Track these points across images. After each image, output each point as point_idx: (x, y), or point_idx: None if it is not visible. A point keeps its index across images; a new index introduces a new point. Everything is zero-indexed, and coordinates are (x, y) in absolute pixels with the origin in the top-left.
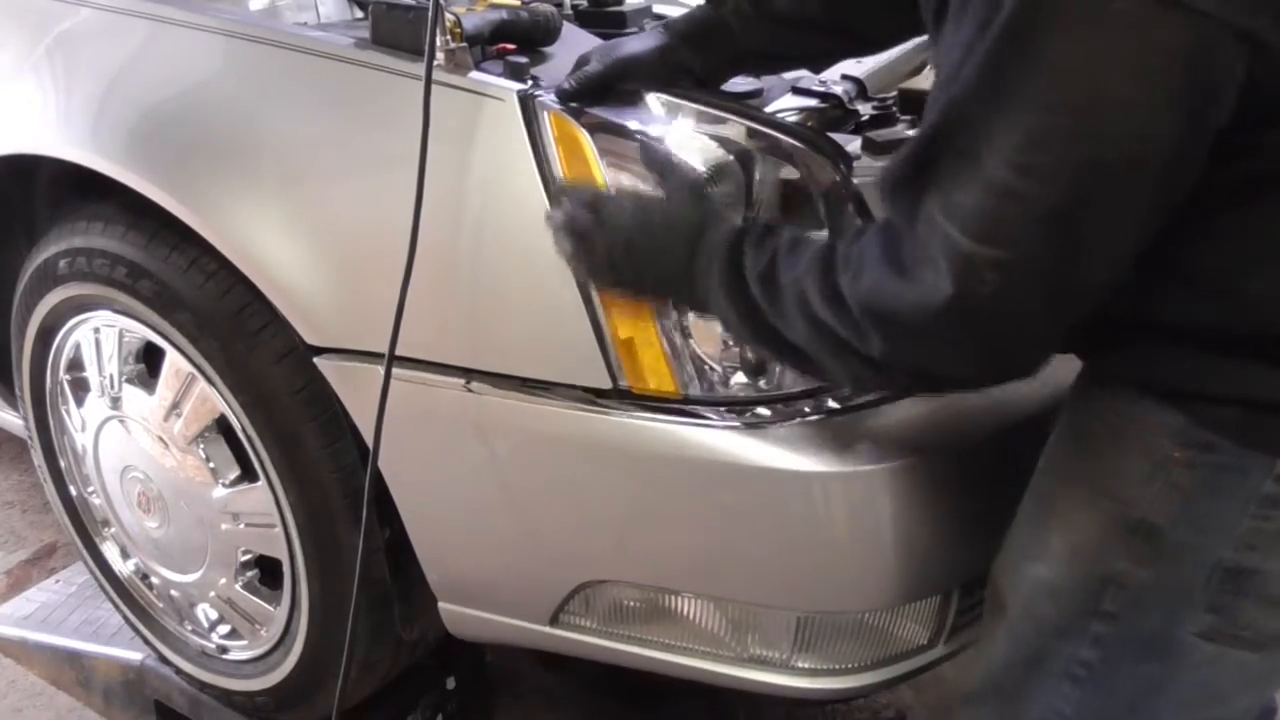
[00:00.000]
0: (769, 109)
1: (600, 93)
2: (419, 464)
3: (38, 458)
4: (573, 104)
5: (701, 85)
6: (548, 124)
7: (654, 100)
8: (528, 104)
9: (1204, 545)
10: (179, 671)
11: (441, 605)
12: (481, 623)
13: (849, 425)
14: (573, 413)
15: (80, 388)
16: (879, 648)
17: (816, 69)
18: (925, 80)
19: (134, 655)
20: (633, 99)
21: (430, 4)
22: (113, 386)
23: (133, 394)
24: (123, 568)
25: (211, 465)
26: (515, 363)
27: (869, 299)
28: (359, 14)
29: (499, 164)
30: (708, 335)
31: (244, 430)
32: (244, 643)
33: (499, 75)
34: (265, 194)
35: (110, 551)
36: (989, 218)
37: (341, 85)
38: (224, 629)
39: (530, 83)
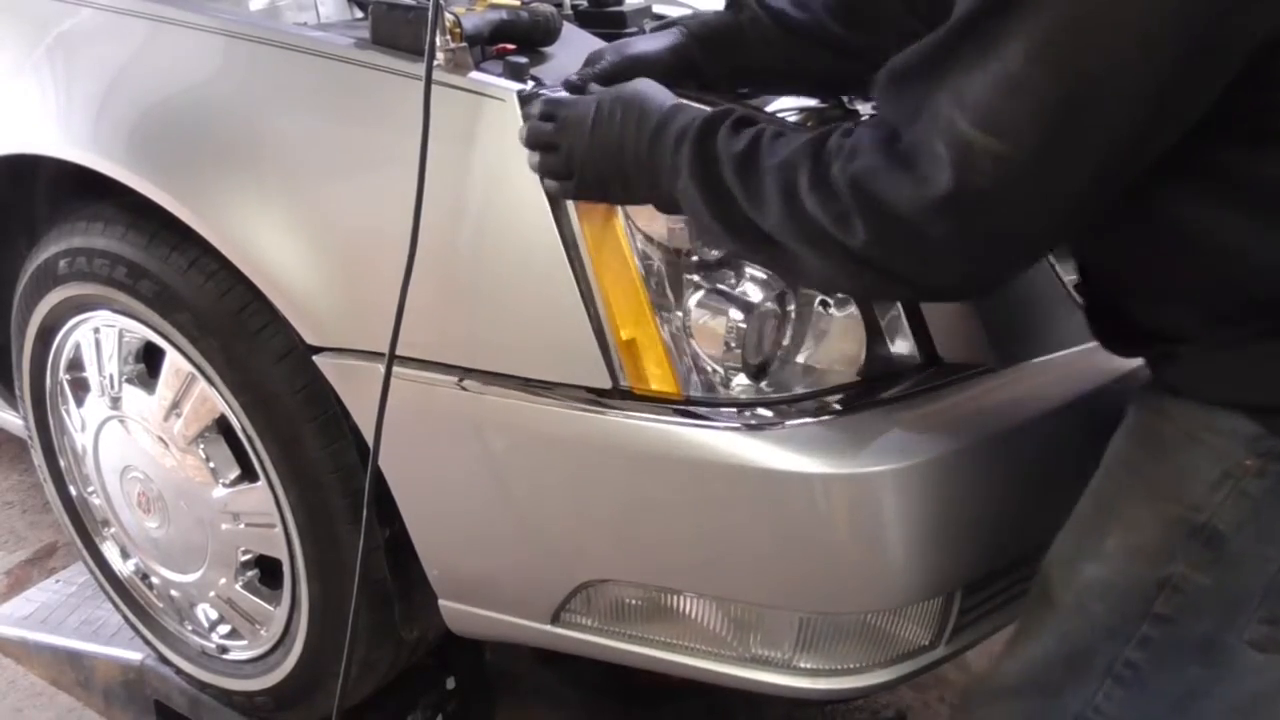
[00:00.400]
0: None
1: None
2: (420, 463)
3: (38, 458)
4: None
5: (707, 89)
6: None
7: None
8: (527, 104)
9: (1267, 555)
10: (179, 671)
11: (442, 603)
12: (483, 621)
13: (851, 426)
14: (574, 412)
15: (80, 388)
16: (881, 649)
17: (824, 95)
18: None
19: (134, 655)
20: None
21: (430, 4)
22: (113, 386)
23: (133, 394)
24: (123, 568)
25: (211, 465)
26: (516, 363)
27: (861, 184)
28: (359, 14)
29: (499, 164)
30: (710, 336)
31: (244, 430)
32: (244, 643)
33: (499, 75)
34: (265, 194)
35: (110, 551)
36: (996, 108)
37: (341, 85)
38: (224, 629)
39: (531, 83)
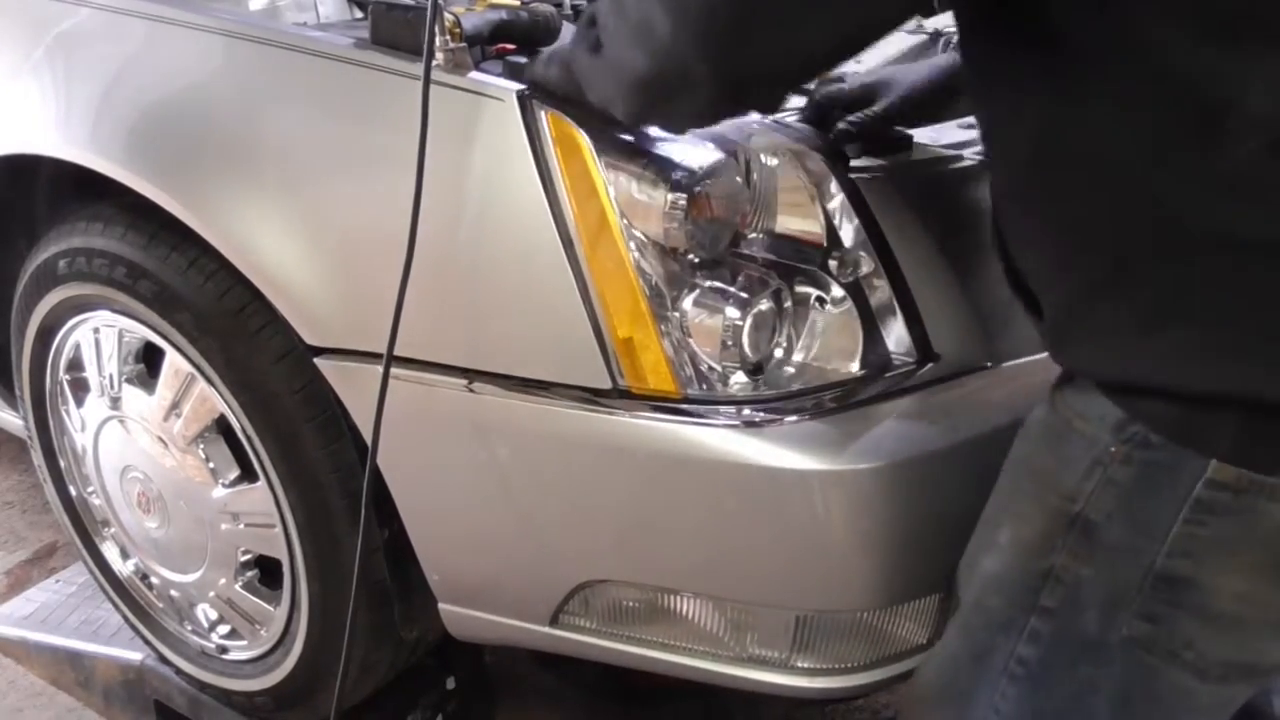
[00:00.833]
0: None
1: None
2: (419, 464)
3: (38, 458)
4: None
5: None
6: (546, 124)
7: None
8: (527, 104)
9: (1139, 546)
10: (179, 671)
11: (441, 606)
12: (481, 623)
13: (848, 424)
14: (572, 412)
15: (80, 388)
16: (878, 647)
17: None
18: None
19: (134, 655)
20: None
21: (430, 4)
22: (112, 386)
23: (132, 394)
24: (123, 568)
25: (211, 465)
26: (514, 363)
27: None
28: (359, 14)
29: (498, 164)
30: (707, 334)
31: (244, 430)
32: (244, 643)
33: (499, 75)
34: (265, 194)
35: (110, 551)
36: None
37: (341, 85)
38: (224, 629)
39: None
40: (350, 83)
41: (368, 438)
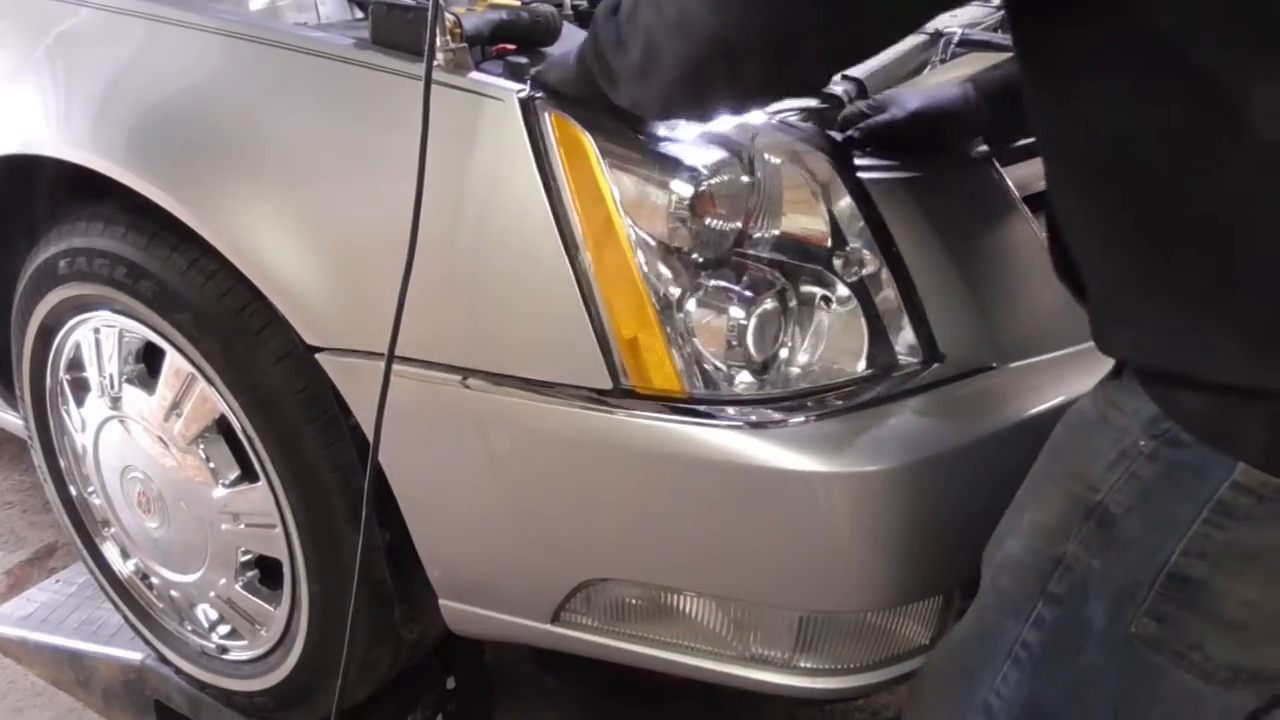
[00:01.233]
0: (769, 108)
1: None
2: (421, 462)
3: (38, 458)
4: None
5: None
6: (549, 124)
7: None
8: (528, 105)
9: (1154, 543)
10: (179, 671)
11: (442, 602)
12: (483, 620)
13: (853, 425)
14: (575, 411)
15: (80, 388)
16: (881, 648)
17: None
18: (925, 80)
19: (134, 655)
20: None
21: (430, 4)
22: (113, 386)
23: (133, 394)
24: (123, 568)
25: (211, 465)
26: (517, 363)
27: None
28: (359, 14)
29: (499, 164)
30: (712, 334)
31: (244, 430)
32: (244, 643)
33: (499, 75)
34: (265, 194)
35: (110, 551)
36: None
37: (341, 86)
38: (224, 629)
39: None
40: (351, 83)
41: (369, 434)
